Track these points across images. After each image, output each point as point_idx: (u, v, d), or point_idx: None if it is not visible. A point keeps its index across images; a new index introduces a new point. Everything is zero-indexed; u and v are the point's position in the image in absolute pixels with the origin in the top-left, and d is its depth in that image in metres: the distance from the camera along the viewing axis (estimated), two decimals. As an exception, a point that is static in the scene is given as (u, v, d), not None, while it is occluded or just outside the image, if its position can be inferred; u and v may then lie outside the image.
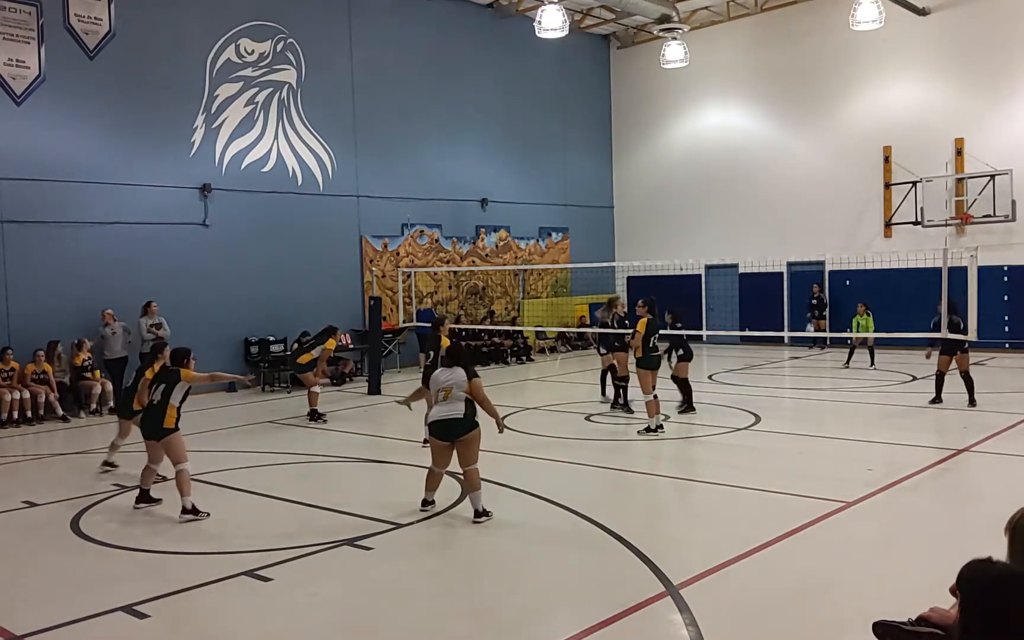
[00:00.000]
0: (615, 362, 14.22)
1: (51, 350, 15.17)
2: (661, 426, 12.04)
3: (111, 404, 15.31)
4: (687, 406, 13.31)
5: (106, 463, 10.74)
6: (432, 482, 8.28)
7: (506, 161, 23.91)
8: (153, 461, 8.87)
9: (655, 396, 12.06)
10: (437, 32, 21.99)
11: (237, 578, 6.67)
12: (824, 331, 21.24)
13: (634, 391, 12.85)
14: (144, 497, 8.90)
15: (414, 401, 9.30)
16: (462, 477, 8.21)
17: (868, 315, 18.30)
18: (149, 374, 10.48)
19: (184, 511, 8.31)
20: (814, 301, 22.00)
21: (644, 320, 12.03)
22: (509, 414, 13.90)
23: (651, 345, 12.06)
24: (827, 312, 21.91)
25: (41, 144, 15.59)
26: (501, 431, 8.35)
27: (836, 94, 22.63)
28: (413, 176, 21.53)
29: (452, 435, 7.99)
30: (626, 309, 15.35)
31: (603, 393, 14.93)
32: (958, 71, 20.85)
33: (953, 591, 3.02)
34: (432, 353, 11.29)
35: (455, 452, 8.06)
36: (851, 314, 18.82)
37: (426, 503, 8.30)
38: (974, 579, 2.93)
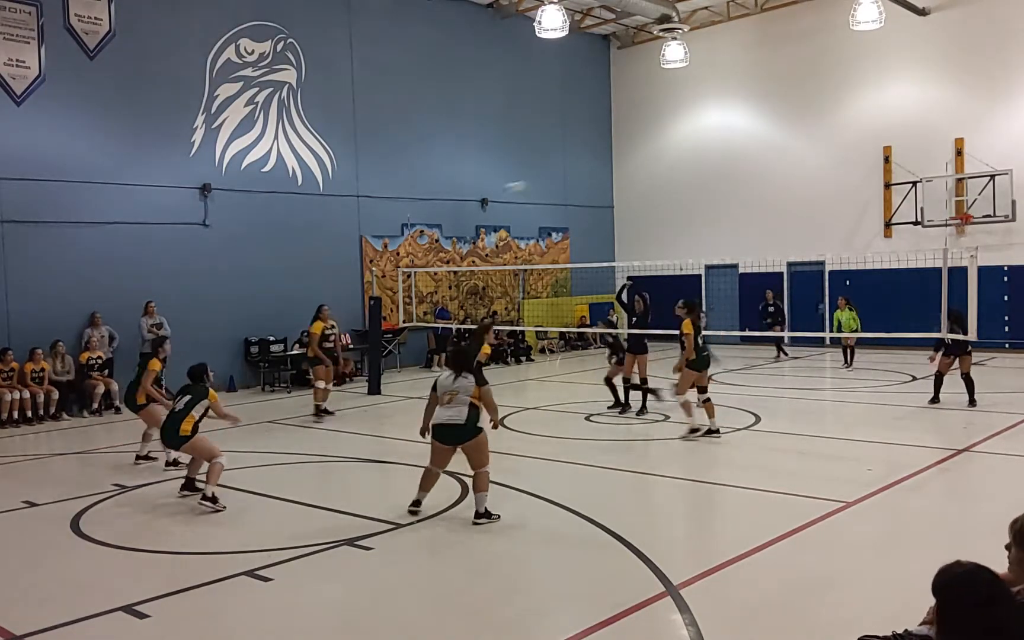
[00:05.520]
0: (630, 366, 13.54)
1: (53, 348, 15.16)
2: (718, 430, 11.51)
3: (116, 404, 15.28)
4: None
5: (139, 457, 10.79)
6: (427, 482, 8.18)
7: (506, 161, 23.89)
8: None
9: (709, 399, 11.66)
10: (437, 32, 21.99)
11: (237, 578, 6.66)
12: (782, 333, 20.40)
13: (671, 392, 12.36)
14: (189, 485, 9.16)
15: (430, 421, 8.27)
16: (471, 477, 8.11)
17: (850, 309, 18.04)
18: (157, 365, 10.58)
19: (204, 497, 8.54)
20: (771, 307, 20.88)
21: (688, 321, 11.57)
22: (509, 414, 13.91)
23: (699, 345, 11.63)
24: (783, 318, 21.06)
25: (41, 144, 15.59)
26: (495, 427, 8.25)
27: (836, 94, 22.63)
28: (413, 176, 21.53)
29: (454, 440, 7.97)
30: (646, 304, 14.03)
31: (626, 400, 13.79)
32: (958, 71, 20.85)
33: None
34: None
35: (463, 456, 8.02)
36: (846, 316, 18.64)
37: (416, 504, 8.13)
38: (945, 582, 2.99)
